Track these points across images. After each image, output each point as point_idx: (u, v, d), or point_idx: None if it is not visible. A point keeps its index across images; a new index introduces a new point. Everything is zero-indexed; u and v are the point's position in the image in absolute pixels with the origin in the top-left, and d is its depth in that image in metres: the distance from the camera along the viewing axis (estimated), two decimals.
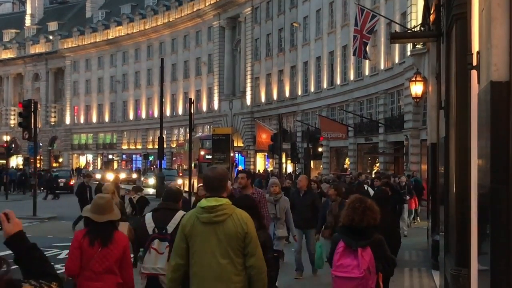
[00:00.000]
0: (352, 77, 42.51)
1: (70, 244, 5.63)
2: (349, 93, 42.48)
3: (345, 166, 43.70)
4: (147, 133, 74.27)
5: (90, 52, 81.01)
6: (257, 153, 55.22)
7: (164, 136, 32.11)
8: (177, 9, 69.48)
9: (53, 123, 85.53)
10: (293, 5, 51.54)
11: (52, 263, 2.89)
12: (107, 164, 76.83)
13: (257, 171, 49.68)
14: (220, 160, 31.15)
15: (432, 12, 11.27)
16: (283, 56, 53.37)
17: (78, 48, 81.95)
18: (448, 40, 8.57)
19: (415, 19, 29.07)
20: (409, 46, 30.13)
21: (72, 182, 43.87)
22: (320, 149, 35.77)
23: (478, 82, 4.66)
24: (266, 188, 12.62)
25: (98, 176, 34.57)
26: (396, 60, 36.23)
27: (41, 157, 67.68)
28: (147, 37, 73.62)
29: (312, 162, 38.09)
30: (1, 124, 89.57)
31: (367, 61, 36.68)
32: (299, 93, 50.33)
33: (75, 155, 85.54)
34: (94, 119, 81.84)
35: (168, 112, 67.86)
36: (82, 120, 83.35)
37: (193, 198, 16.50)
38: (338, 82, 44.44)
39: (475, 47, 4.93)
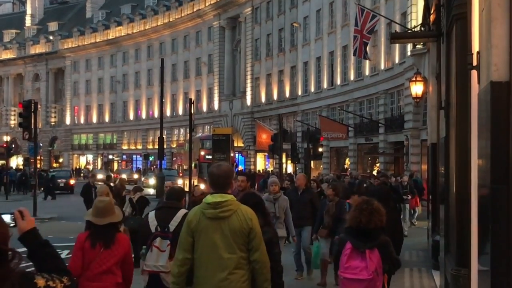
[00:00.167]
0: (352, 77, 42.51)
1: (70, 244, 5.68)
2: (349, 93, 42.47)
3: (345, 166, 43.69)
4: (147, 133, 74.27)
5: (90, 52, 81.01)
6: (257, 153, 55.19)
7: (164, 136, 32.13)
8: (177, 9, 69.49)
9: (53, 123, 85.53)
10: (293, 5, 51.54)
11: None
12: (107, 165, 76.93)
13: (257, 172, 49.72)
14: (220, 160, 31.10)
15: (432, 12, 11.28)
16: (283, 56, 53.37)
17: (78, 48, 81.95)
18: (448, 40, 8.57)
19: (415, 19, 29.05)
20: (409, 46, 30.12)
21: (72, 182, 43.88)
22: (320, 149, 35.75)
23: (478, 82, 4.66)
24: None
25: (100, 176, 34.56)
26: (396, 60, 36.22)
27: (41, 158, 67.66)
28: (147, 37, 73.63)
29: (312, 162, 38.08)
30: (1, 124, 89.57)
31: (367, 61, 36.67)
32: (299, 93, 50.33)
33: (75, 155, 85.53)
34: (94, 119, 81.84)
35: (168, 112, 67.86)
36: (82, 121, 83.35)
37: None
38: (338, 82, 44.43)
39: (475, 47, 4.93)
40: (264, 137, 42.49)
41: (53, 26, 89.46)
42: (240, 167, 54.52)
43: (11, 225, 2.79)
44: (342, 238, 5.87)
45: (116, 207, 6.09)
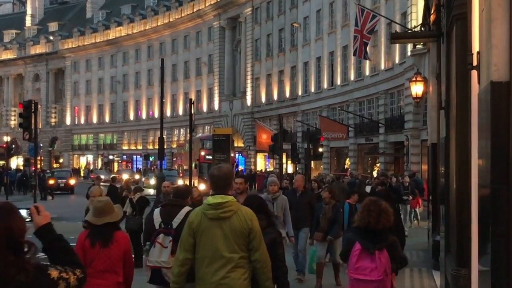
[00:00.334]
0: (352, 77, 42.51)
1: (70, 244, 5.72)
2: (350, 93, 42.47)
3: (346, 166, 43.69)
4: (147, 134, 74.26)
5: (90, 53, 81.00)
6: (258, 154, 55.17)
7: (164, 136, 32.08)
8: (177, 10, 69.48)
9: (54, 123, 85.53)
10: (294, 5, 51.54)
11: None
12: (107, 165, 76.94)
13: (258, 172, 49.73)
14: (220, 160, 31.09)
15: (432, 12, 11.28)
16: (283, 56, 53.37)
17: (78, 48, 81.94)
18: (448, 40, 8.57)
19: (416, 19, 29.05)
20: (409, 46, 30.13)
21: (72, 182, 43.87)
22: (320, 150, 35.73)
23: (479, 82, 4.66)
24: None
25: (101, 176, 34.53)
26: (397, 60, 36.23)
27: (42, 158, 67.65)
28: (147, 37, 73.62)
29: (312, 162, 38.07)
30: (2, 124, 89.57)
31: (367, 61, 36.67)
32: (300, 93, 50.33)
33: (76, 155, 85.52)
34: (95, 119, 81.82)
35: (168, 112, 67.84)
36: (82, 121, 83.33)
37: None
38: (339, 82, 44.43)
39: (475, 47, 4.93)
40: (264, 137, 42.49)
41: (53, 26, 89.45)
42: (241, 168, 54.54)
43: (27, 219, 2.95)
44: (350, 237, 5.90)
45: (117, 205, 6.25)
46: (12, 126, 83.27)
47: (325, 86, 46.45)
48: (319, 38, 47.47)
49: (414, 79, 19.95)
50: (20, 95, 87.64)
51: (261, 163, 57.00)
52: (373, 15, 26.72)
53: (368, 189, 16.74)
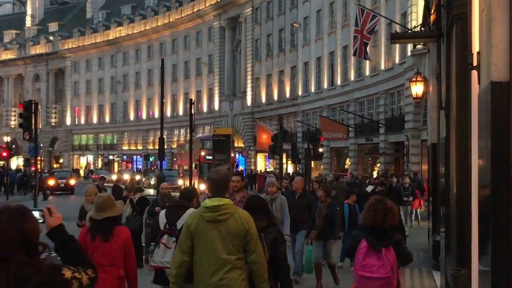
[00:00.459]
0: (352, 78, 42.51)
1: None
2: (350, 94, 42.47)
3: (346, 166, 43.69)
4: (147, 134, 74.26)
5: (90, 53, 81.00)
6: (258, 154, 55.20)
7: (164, 136, 32.05)
8: (177, 10, 69.48)
9: (54, 124, 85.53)
10: (294, 6, 51.53)
11: None
12: (107, 165, 76.92)
13: (258, 172, 49.72)
14: (220, 160, 31.10)
15: (432, 12, 11.28)
16: (283, 56, 53.36)
17: (78, 48, 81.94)
18: (448, 40, 8.57)
19: (416, 19, 29.05)
20: (409, 47, 30.11)
21: (72, 182, 43.86)
22: (320, 150, 35.74)
23: (479, 82, 4.66)
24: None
25: (105, 176, 34.62)
26: (397, 61, 36.22)
27: (42, 158, 67.66)
28: (147, 37, 73.62)
29: (312, 162, 38.08)
30: (2, 125, 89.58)
31: (367, 61, 36.67)
32: (300, 93, 50.33)
33: (76, 156, 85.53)
34: (95, 119, 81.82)
35: (168, 112, 67.83)
36: (82, 121, 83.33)
37: None
38: (339, 82, 44.43)
39: (475, 47, 4.93)
40: (265, 137, 42.52)
41: (53, 26, 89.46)
42: (241, 168, 54.53)
43: (40, 221, 3.00)
44: (356, 235, 5.93)
45: (120, 201, 6.42)
46: (12, 126, 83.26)
47: (325, 86, 46.45)
48: (319, 38, 47.47)
49: (414, 79, 19.94)
50: (20, 95, 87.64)
51: (261, 163, 56.99)
52: (373, 15, 26.72)
53: (369, 189, 16.74)
